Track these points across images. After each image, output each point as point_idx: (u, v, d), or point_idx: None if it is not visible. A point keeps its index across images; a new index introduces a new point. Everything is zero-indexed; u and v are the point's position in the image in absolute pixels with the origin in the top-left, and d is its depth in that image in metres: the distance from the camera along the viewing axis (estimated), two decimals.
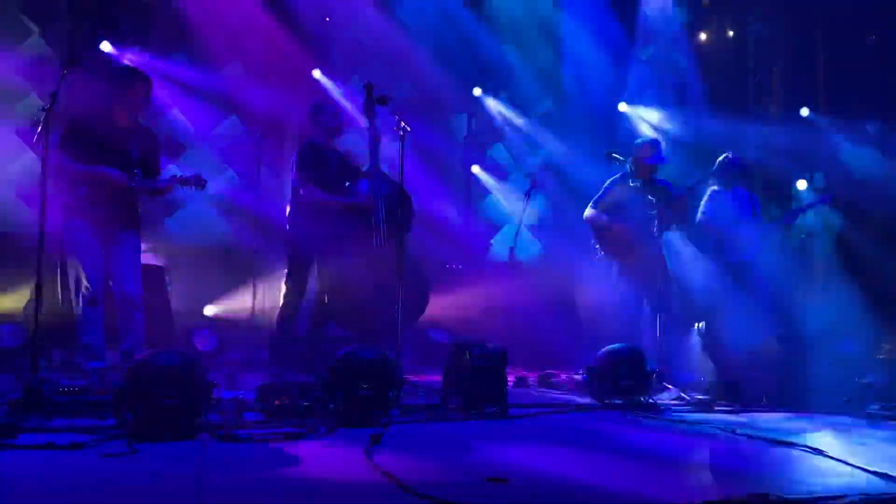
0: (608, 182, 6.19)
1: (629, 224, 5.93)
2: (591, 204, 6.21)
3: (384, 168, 5.69)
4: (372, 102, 5.72)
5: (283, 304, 5.65)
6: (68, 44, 7.47)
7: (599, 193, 6.19)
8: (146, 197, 5.01)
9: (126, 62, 7.39)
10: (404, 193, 5.31)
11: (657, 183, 6.12)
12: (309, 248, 5.58)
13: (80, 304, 4.63)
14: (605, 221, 6.07)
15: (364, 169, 5.72)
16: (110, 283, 4.79)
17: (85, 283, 4.63)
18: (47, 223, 4.09)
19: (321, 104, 5.94)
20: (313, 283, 5.73)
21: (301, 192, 5.54)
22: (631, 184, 6.01)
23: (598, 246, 6.19)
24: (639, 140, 6.42)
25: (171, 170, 5.83)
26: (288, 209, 5.72)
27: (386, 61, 9.09)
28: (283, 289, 5.67)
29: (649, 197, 5.86)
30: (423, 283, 5.69)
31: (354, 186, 5.63)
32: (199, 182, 4.85)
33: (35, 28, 7.61)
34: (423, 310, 5.71)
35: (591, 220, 6.19)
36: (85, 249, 4.66)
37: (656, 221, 5.81)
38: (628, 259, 5.99)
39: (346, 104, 7.83)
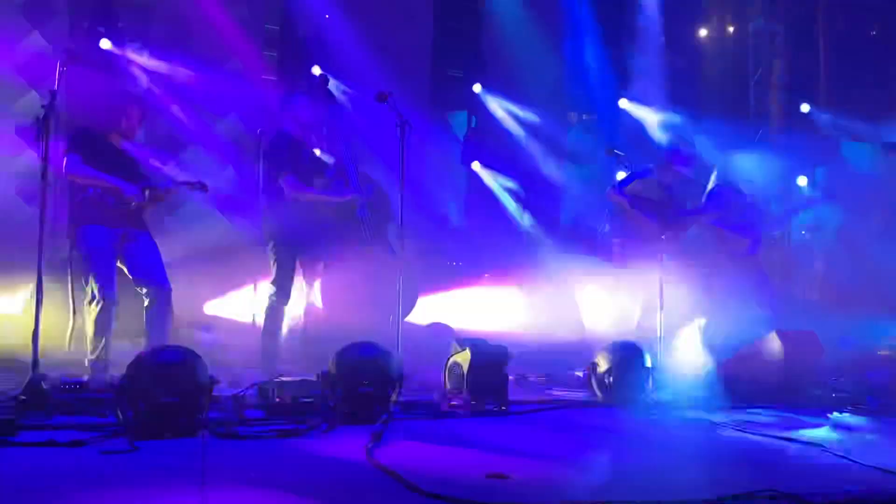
0: (633, 173, 6.14)
1: (647, 215, 5.92)
2: (617, 184, 6.20)
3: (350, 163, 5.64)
4: (329, 94, 5.63)
5: (270, 302, 5.57)
6: (67, 41, 7.46)
7: (625, 179, 6.16)
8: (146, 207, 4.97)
9: (119, 78, 7.39)
10: (382, 189, 5.29)
11: (672, 188, 6.14)
12: (292, 242, 5.41)
13: (92, 307, 4.61)
14: (627, 203, 6.05)
15: (333, 164, 5.66)
16: (138, 280, 4.76)
17: (94, 286, 4.62)
18: (51, 223, 4.10)
19: (292, 95, 5.86)
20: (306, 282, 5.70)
21: (285, 181, 5.32)
22: (651, 182, 5.99)
23: (610, 227, 6.16)
24: (670, 138, 6.41)
25: (172, 168, 5.81)
26: (264, 204, 5.52)
27: (387, 57, 9.08)
28: (269, 289, 5.49)
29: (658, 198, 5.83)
30: (412, 280, 5.65)
31: (333, 183, 5.59)
32: (203, 186, 4.95)
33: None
34: (412, 307, 5.69)
35: (615, 199, 6.16)
36: (97, 253, 4.62)
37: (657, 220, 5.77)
38: (636, 250, 6.01)
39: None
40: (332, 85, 5.84)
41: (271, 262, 5.55)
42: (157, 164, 5.09)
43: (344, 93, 8.25)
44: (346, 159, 5.59)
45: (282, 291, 5.51)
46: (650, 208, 5.88)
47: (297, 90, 5.71)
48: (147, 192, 4.79)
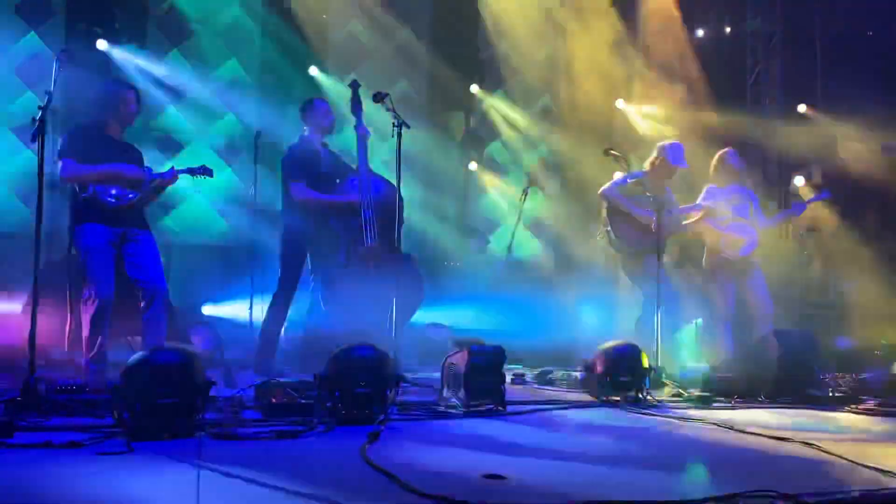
0: (628, 175, 6.14)
1: (642, 212, 5.94)
2: (610, 184, 6.21)
3: (365, 166, 5.68)
4: (358, 100, 5.73)
5: (273, 302, 5.63)
6: (64, 42, 7.46)
7: (620, 180, 6.17)
8: (148, 198, 4.96)
9: (114, 74, 7.39)
10: (395, 190, 5.31)
11: (667, 191, 6.17)
12: (301, 246, 5.58)
13: (88, 307, 4.60)
14: (624, 206, 6.06)
15: (354, 167, 5.72)
16: (136, 280, 4.75)
17: (91, 285, 4.60)
18: (49, 222, 4.09)
19: (313, 101, 5.93)
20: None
21: (290, 190, 5.52)
22: (645, 183, 5.98)
23: (607, 228, 6.15)
24: (664, 142, 6.39)
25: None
26: (281, 207, 5.73)
27: (384, 58, 9.08)
28: (275, 288, 5.65)
29: (653, 199, 5.82)
30: (418, 280, 5.68)
31: (345, 185, 5.63)
32: (207, 171, 4.97)
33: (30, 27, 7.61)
34: (418, 307, 5.70)
35: (609, 199, 6.16)
36: (95, 252, 4.61)
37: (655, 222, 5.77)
38: (633, 250, 6.02)
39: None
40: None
41: (280, 263, 5.62)
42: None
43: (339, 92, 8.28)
44: (361, 161, 5.63)
45: (286, 292, 5.58)
46: (645, 206, 5.90)
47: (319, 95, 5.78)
48: (152, 180, 4.78)
